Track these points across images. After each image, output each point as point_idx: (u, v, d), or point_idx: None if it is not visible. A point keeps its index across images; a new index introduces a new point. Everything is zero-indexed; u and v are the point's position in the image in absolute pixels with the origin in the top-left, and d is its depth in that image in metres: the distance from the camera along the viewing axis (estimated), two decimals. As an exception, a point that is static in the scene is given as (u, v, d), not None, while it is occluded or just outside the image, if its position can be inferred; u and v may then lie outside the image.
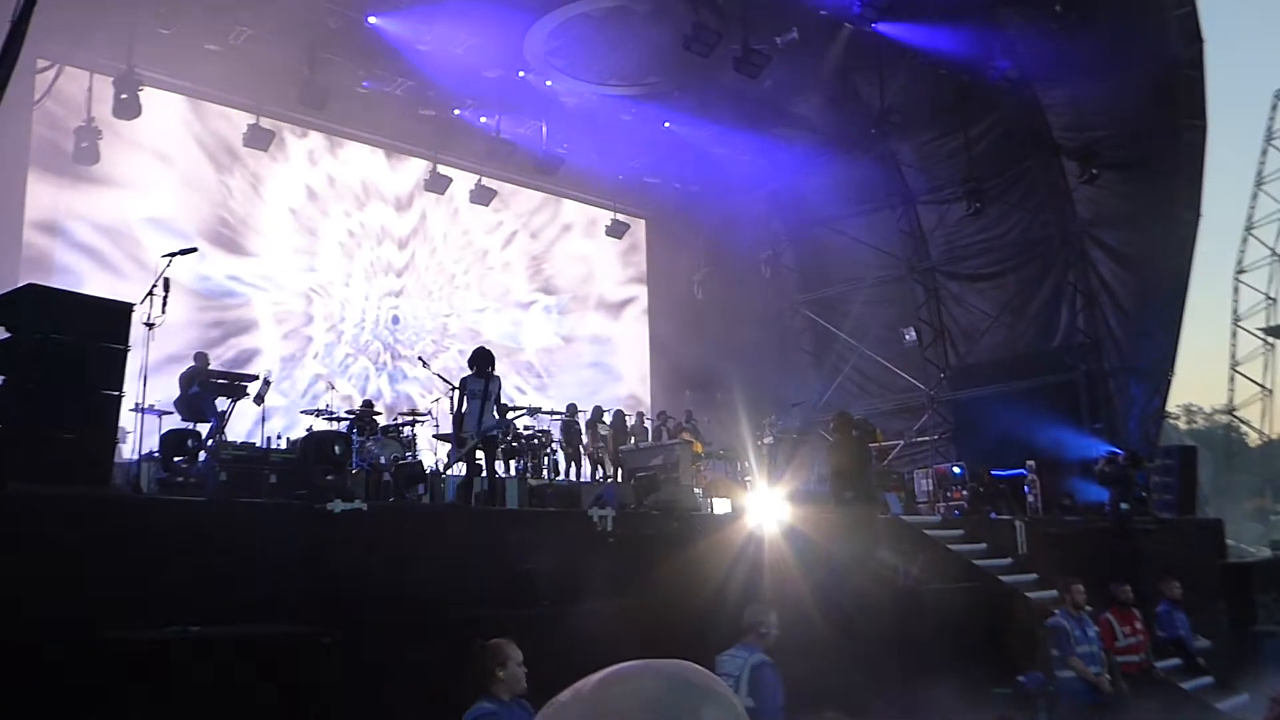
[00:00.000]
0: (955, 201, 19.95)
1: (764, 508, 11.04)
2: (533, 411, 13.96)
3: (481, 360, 10.54)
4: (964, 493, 16.09)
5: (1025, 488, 16.06)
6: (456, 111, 19.22)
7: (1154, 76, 16.54)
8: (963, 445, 19.72)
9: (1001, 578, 11.78)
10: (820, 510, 11.25)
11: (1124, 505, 15.00)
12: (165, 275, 9.22)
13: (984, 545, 12.45)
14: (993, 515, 14.48)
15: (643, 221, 24.45)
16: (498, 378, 10.71)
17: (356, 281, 19.14)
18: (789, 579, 9.07)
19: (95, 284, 15.14)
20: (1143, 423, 18.03)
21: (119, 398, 7.09)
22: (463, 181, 20.40)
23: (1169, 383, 17.97)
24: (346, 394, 17.69)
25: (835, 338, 22.80)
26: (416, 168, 20.19)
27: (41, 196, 15.51)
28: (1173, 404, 17.95)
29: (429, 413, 14.20)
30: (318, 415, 12.97)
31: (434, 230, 20.53)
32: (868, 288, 22.37)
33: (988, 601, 10.94)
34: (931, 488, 16.39)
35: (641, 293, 24.51)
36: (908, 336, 21.39)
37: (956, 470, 16.67)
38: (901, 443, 20.83)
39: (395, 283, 19.71)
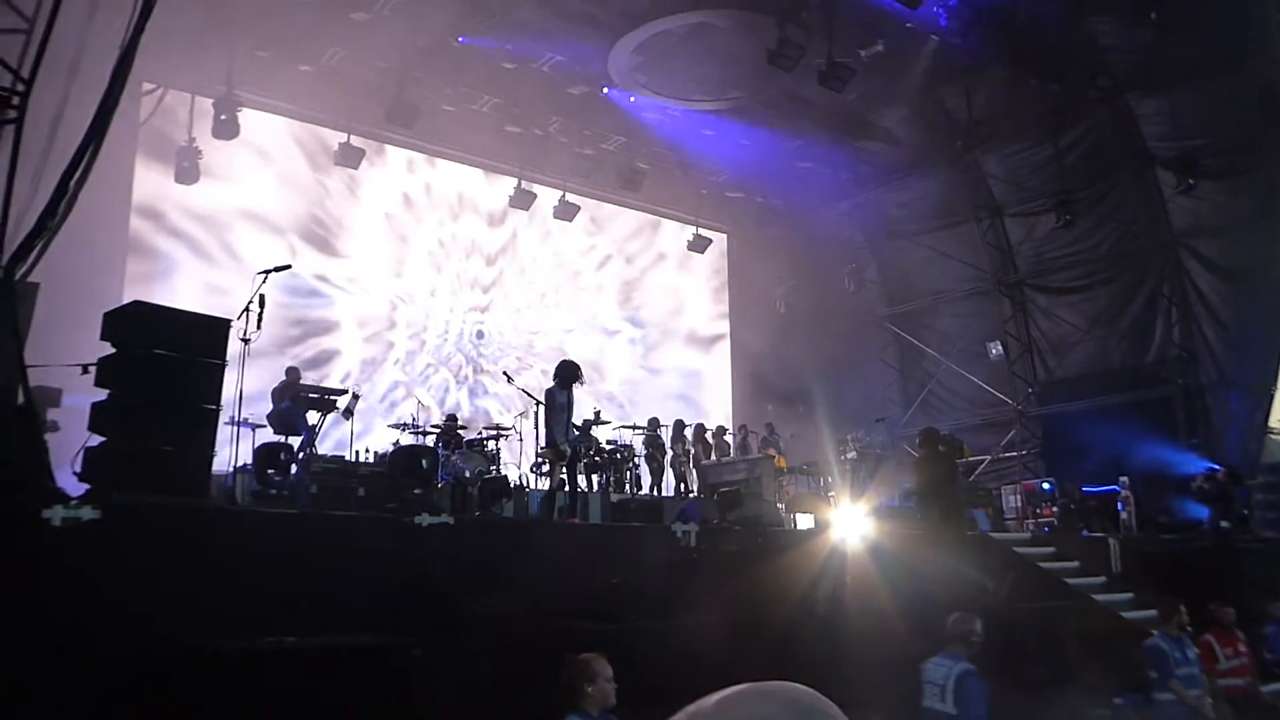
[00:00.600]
0: (1044, 213, 19.59)
1: (848, 523, 10.92)
2: (602, 419, 13.96)
3: (566, 373, 10.63)
4: (1054, 509, 15.78)
5: (1119, 505, 15.65)
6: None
7: (1253, 83, 16.07)
8: (1052, 461, 19.26)
9: (1095, 597, 11.50)
10: (905, 526, 11.10)
11: (1224, 523, 14.51)
12: (261, 292, 9.45)
13: (1076, 563, 12.15)
14: (1085, 533, 14.13)
15: (724, 236, 24.44)
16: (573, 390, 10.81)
17: (442, 293, 19.36)
18: (873, 595, 8.96)
19: (190, 270, 15.93)
20: (1244, 438, 17.38)
21: (216, 411, 7.29)
22: (547, 197, 20.57)
23: (1272, 396, 17.33)
24: (424, 404, 17.95)
25: (920, 352, 22.54)
26: (509, 185, 20.24)
27: (146, 184, 15.98)
28: (1276, 419, 17.26)
29: (513, 427, 14.30)
30: (404, 429, 13.20)
31: (524, 249, 20.67)
32: (953, 301, 22.04)
33: (1081, 621, 10.66)
34: (1020, 504, 16.11)
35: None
36: (994, 351, 21.03)
37: (1046, 486, 16.36)
38: (988, 458, 20.47)
39: (481, 298, 19.90)
